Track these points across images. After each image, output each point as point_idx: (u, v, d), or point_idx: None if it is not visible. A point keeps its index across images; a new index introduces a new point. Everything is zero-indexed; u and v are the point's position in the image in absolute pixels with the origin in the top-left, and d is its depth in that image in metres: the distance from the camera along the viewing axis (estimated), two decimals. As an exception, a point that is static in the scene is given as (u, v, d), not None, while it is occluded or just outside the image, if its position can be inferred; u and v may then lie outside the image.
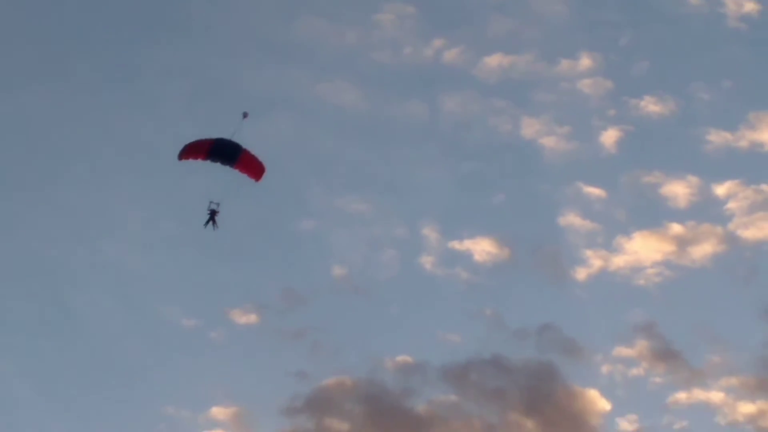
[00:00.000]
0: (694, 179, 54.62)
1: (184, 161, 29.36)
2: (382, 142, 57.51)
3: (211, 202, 31.39)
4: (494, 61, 56.49)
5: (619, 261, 54.23)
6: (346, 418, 49.99)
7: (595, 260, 54.94)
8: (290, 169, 54.29)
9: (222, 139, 29.25)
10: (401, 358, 50.44)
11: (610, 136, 55.04)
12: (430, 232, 53.77)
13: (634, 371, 51.38)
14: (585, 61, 56.08)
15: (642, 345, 53.21)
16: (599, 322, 54.79)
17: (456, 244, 53.87)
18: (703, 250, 55.77)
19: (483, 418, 49.81)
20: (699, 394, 53.20)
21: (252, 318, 53.95)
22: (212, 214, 31.82)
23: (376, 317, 52.72)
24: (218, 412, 51.29)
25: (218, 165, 29.17)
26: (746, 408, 53.80)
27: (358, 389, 49.67)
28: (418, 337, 52.83)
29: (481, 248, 53.65)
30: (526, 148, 56.25)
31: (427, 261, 53.78)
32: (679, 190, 54.14)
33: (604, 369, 52.26)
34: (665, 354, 52.71)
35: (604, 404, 51.91)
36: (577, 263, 53.62)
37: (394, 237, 54.58)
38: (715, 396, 52.73)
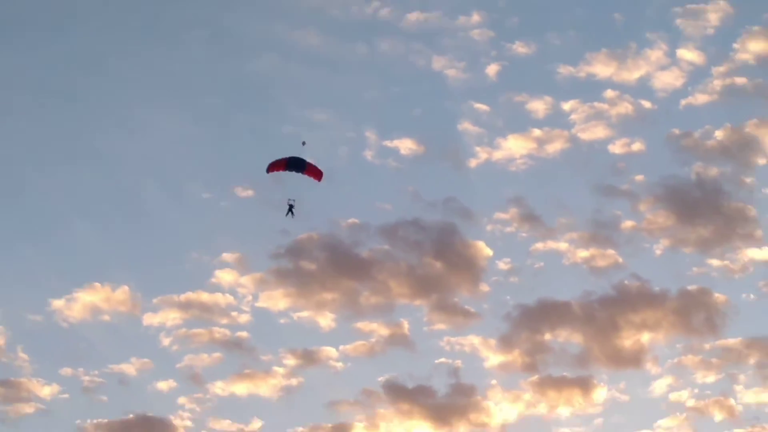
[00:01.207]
0: (548, 98, 65.48)
1: (271, 173, 37.69)
2: (338, 71, 68.09)
3: (289, 199, 39.60)
4: (414, 16, 66.14)
5: (498, 154, 65.54)
6: (314, 261, 63.79)
7: (482, 154, 66.65)
8: (275, 91, 66.46)
9: (293, 156, 36.96)
10: (351, 220, 62.58)
11: (492, 69, 65.35)
12: (370, 135, 65.18)
13: (508, 229, 66.41)
14: (475, 17, 66.08)
15: (514, 211, 66.32)
16: (485, 195, 67.72)
17: (388, 143, 65.19)
18: (555, 147, 67.72)
19: (407, 261, 64.26)
20: (551, 244, 67.77)
21: (250, 192, 65.69)
22: (291, 207, 39.79)
23: (335, 192, 62.46)
24: (227, 256, 66.97)
25: (293, 173, 36.91)
26: (582, 253, 67.61)
27: (322, 241, 63.03)
28: (363, 205, 65.23)
29: (406, 146, 65.43)
30: (436, 77, 66.53)
31: (368, 154, 65.85)
32: (539, 106, 66.17)
33: (489, 227, 65.76)
34: (529, 217, 66.95)
35: (488, 251, 66.42)
36: (470, 156, 65.40)
37: (346, 138, 66.12)
38: (562, 245, 67.30)
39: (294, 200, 39.01)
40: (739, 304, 72.83)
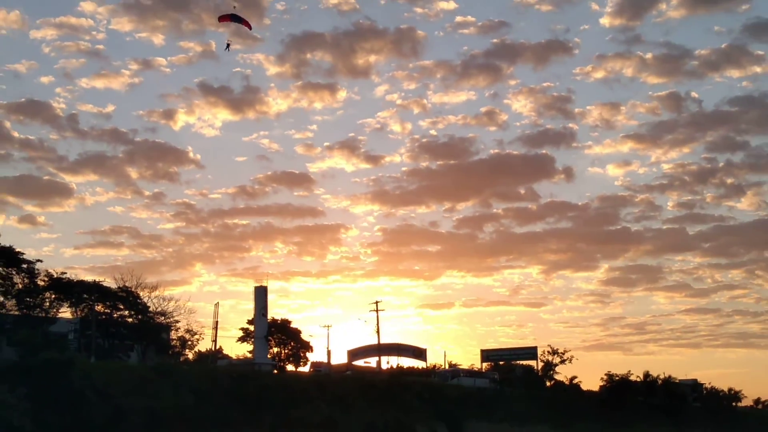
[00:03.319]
0: None
1: (221, 22, 50.97)
2: None
3: (228, 40, 54.79)
4: None
5: None
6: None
7: None
8: None
9: (234, 14, 50.65)
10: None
11: None
12: None
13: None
14: None
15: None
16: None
17: None
18: None
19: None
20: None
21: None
22: (228, 45, 54.70)
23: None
24: None
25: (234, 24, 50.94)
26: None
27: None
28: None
29: None
30: None
31: None
32: None
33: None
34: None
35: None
36: None
37: None
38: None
39: (230, 42, 54.64)
40: (432, 38, 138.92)
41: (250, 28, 52.69)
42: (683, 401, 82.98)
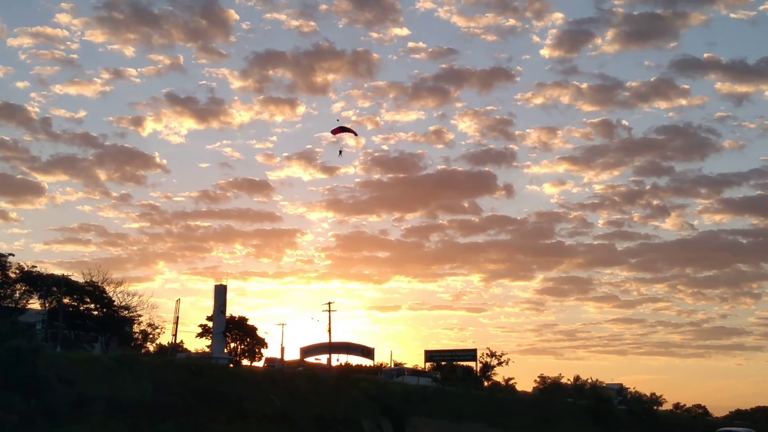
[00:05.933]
0: None
1: (335, 135, 53.30)
2: None
3: (341, 150, 57.00)
4: None
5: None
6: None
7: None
8: None
9: (344, 126, 53.04)
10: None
11: None
12: None
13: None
14: None
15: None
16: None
17: None
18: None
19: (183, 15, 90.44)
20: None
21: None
22: (341, 152, 57.39)
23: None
24: (64, 5, 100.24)
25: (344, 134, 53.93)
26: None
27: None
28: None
29: None
30: None
31: None
32: None
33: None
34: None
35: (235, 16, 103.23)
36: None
37: None
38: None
39: (342, 149, 57.29)
40: (386, 61, 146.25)
41: (356, 135, 59.28)
42: (609, 403, 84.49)
